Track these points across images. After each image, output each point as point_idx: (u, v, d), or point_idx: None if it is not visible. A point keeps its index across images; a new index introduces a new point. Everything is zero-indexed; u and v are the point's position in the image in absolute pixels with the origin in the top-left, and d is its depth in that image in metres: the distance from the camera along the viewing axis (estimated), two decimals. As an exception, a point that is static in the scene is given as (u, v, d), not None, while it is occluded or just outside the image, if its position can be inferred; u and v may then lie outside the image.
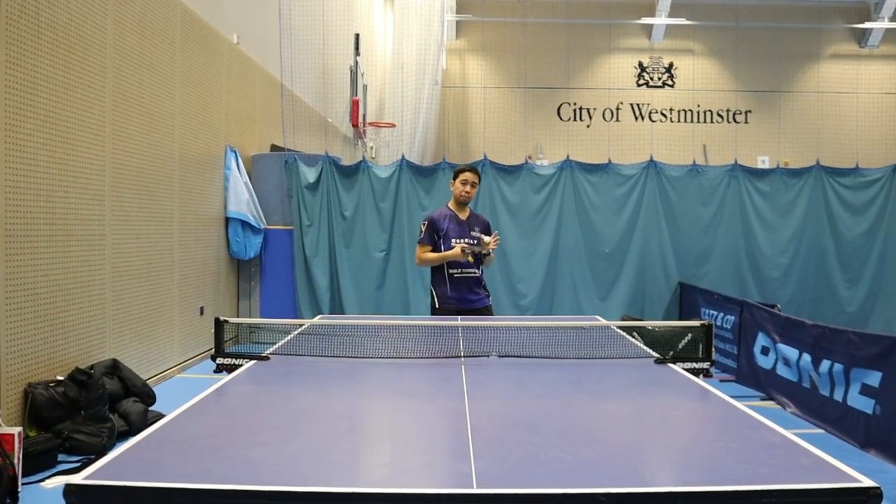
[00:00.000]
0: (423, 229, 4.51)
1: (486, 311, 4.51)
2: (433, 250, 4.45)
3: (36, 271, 4.19)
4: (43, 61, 4.23)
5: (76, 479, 1.48)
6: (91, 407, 4.16)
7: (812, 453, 1.71)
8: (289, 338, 3.23)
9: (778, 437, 1.85)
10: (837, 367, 4.66)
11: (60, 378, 4.26)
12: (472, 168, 4.63)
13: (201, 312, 6.67)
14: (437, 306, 4.47)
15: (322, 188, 7.73)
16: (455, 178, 4.56)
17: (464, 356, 2.87)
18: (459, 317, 4.10)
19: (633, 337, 3.81)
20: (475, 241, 4.35)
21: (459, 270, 4.42)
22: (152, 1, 5.64)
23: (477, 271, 4.49)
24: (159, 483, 1.49)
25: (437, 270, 4.50)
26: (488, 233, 4.46)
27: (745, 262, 8.01)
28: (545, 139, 15.04)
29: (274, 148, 8.48)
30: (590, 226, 7.85)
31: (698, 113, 15.46)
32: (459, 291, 4.41)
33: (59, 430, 4.03)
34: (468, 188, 4.49)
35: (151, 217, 5.68)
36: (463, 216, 4.54)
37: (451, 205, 4.60)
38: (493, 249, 4.35)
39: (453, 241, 4.40)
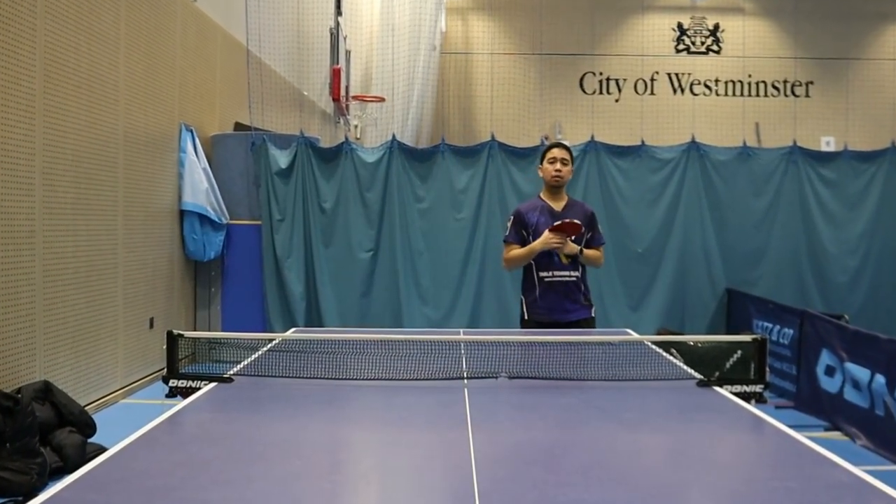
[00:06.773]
0: (509, 225, 4.51)
1: (587, 324, 4.41)
2: None
3: (-48, 275, 4.19)
4: (-40, 22, 4.24)
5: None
6: (18, 439, 4.15)
7: (886, 494, 1.72)
8: (256, 355, 3.23)
9: (845, 476, 1.86)
10: (917, 390, 4.66)
11: (-19, 404, 4.26)
12: (559, 144, 4.66)
13: (151, 325, 6.67)
14: (525, 317, 4.45)
15: (296, 175, 7.73)
16: (542, 159, 4.56)
17: (467, 377, 2.87)
18: (549, 331, 4.04)
19: (671, 354, 3.82)
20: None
21: (551, 273, 4.36)
22: (92, -50, 5.66)
23: (576, 274, 4.41)
24: (100, 531, 1.49)
25: (527, 273, 4.45)
26: (593, 226, 4.51)
27: (806, 264, 8.01)
28: (565, 116, 15.03)
29: (238, 127, 8.48)
30: (619, 220, 7.85)
31: (749, 84, 15.45)
32: (552, 299, 4.36)
33: (-20, 466, 4.03)
34: (558, 166, 4.44)
35: (91, 210, 5.68)
36: (558, 206, 4.49)
37: (543, 194, 4.58)
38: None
39: None
